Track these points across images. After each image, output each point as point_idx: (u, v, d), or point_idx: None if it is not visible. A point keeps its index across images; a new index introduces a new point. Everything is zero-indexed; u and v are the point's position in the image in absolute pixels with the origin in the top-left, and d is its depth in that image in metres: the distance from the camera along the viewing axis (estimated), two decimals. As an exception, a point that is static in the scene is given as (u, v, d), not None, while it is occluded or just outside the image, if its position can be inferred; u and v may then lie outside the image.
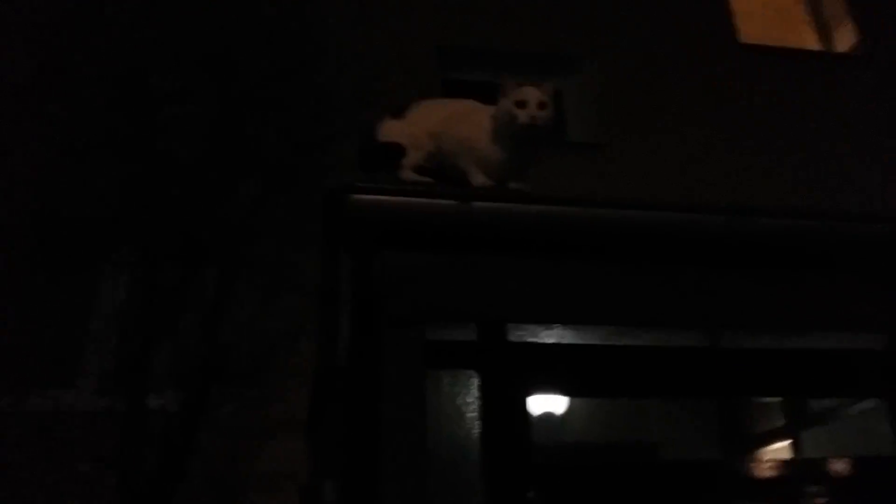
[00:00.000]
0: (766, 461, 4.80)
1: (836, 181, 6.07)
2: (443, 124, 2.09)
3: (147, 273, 3.59)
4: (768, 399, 4.92)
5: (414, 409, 1.73)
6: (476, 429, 2.77)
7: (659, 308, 2.51)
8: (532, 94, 2.09)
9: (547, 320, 2.24)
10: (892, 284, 2.86)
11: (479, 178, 2.04)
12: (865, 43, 7.01)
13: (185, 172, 3.53)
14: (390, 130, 2.13)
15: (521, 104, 2.07)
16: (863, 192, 5.93)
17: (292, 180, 3.70)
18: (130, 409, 3.26)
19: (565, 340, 2.63)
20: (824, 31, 7.42)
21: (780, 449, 4.97)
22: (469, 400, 2.95)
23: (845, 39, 7.25)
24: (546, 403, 5.20)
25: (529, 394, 2.92)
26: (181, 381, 3.53)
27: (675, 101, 6.26)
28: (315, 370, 3.00)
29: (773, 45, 6.97)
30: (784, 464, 4.37)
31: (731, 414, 5.54)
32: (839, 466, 3.54)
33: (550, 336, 2.64)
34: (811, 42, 7.39)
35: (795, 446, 4.79)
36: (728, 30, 6.82)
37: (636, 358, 3.02)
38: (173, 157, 3.58)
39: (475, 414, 2.78)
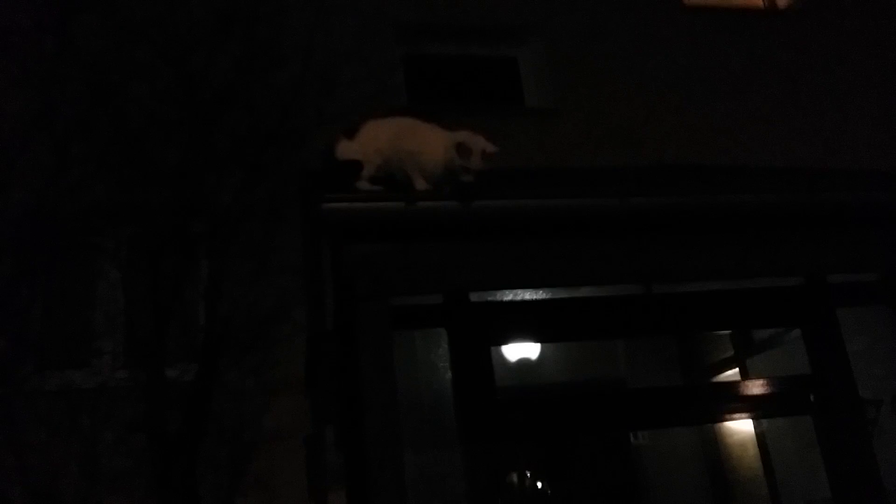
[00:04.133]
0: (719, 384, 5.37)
1: (782, 135, 6.51)
2: (391, 141, 2.53)
3: (149, 261, 4.02)
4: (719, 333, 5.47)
5: (385, 364, 2.19)
6: (447, 376, 3.28)
7: (596, 268, 2.99)
8: (477, 143, 2.48)
9: (491, 287, 2.71)
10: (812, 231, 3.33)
11: (420, 183, 2.47)
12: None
13: (172, 171, 3.94)
14: (346, 149, 2.57)
15: (466, 151, 2.48)
16: (809, 145, 6.38)
17: (269, 170, 4.12)
18: (152, 380, 3.73)
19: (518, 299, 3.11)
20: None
21: (731, 374, 5.54)
22: (441, 353, 3.45)
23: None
24: (523, 350, 5.69)
25: (492, 343, 3.43)
26: (191, 354, 4.00)
27: (624, 66, 6.63)
28: (307, 337, 3.49)
29: (716, 5, 7.29)
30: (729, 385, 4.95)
31: (689, 348, 6.09)
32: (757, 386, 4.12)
33: (505, 296, 3.12)
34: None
35: (742, 372, 5.37)
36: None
37: (587, 306, 3.52)
38: (160, 158, 3.99)
39: (447, 364, 3.29)
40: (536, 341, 4.46)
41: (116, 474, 3.93)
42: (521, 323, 3.40)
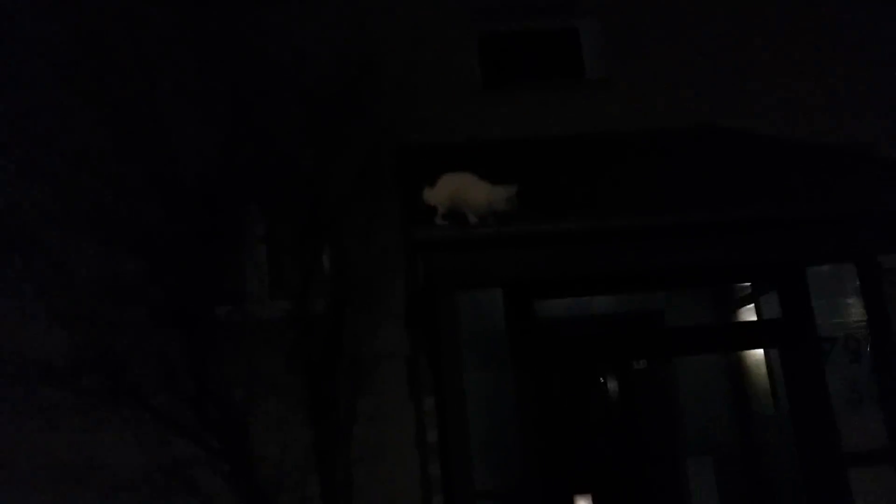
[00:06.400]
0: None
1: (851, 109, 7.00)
2: (454, 191, 3.91)
3: (290, 237, 5.66)
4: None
5: (452, 320, 3.74)
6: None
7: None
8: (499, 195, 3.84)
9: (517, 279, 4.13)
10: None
11: (472, 220, 3.89)
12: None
13: (303, 170, 5.54)
14: (429, 195, 4.04)
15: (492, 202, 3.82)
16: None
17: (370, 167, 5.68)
18: (301, 316, 5.40)
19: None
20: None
21: (750, 308, 6.70)
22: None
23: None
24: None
25: (534, 297, 4.83)
26: (322, 295, 5.65)
27: (679, 34, 7.21)
28: (407, 294, 5.05)
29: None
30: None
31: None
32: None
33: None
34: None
35: (757, 307, 6.52)
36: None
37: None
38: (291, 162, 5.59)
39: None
40: (570, 296, 5.79)
41: (275, 382, 5.57)
42: (559, 285, 4.79)
